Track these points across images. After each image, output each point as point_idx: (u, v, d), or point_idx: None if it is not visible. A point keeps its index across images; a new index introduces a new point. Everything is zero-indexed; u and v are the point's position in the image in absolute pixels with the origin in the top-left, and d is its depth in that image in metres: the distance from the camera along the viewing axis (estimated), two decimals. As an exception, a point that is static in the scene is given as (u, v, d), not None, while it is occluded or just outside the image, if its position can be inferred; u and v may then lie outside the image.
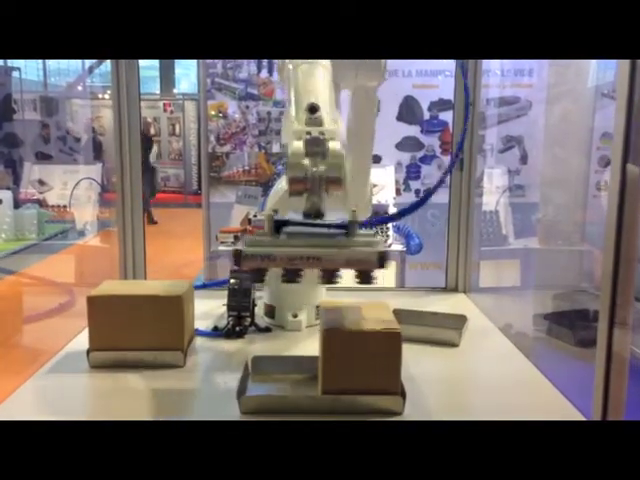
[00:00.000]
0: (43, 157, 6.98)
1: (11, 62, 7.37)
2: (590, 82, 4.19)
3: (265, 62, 4.06)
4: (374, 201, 1.98)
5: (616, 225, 0.99)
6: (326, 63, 1.31)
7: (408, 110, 4.21)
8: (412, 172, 4.32)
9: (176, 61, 14.48)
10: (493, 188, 4.22)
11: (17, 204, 5.08)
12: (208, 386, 1.35)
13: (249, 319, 1.64)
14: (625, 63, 0.95)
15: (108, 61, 2.24)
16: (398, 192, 4.02)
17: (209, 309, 1.82)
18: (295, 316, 1.67)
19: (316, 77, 1.27)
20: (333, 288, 1.79)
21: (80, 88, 8.95)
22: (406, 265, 3.20)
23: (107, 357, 1.44)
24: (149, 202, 8.56)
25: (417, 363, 1.43)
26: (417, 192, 4.32)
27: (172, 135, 13.03)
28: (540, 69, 4.24)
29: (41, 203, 5.36)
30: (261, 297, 1.75)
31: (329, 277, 1.07)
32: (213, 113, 4.12)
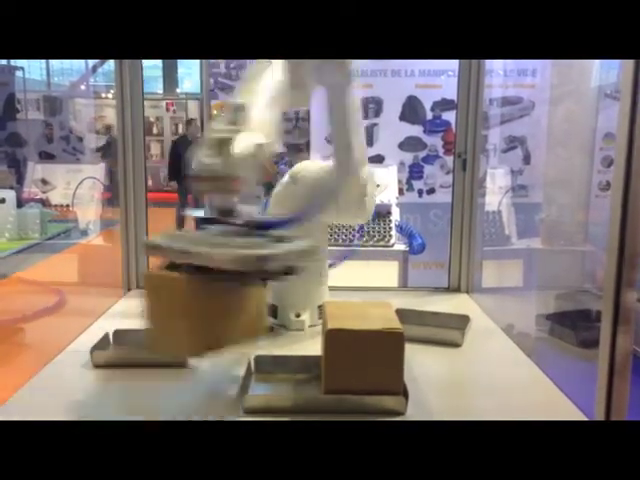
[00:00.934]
0: (46, 156, 6.99)
1: (14, 61, 7.39)
2: (593, 82, 4.19)
3: (267, 62, 4.05)
4: (377, 201, 1.98)
5: (619, 225, 0.99)
6: (283, 63, 1.34)
7: (411, 110, 4.21)
8: (415, 172, 4.32)
9: (179, 61, 14.49)
10: (496, 188, 4.21)
11: (20, 203, 5.08)
12: (210, 385, 1.35)
13: (251, 319, 1.64)
14: (629, 63, 0.95)
15: (111, 60, 2.24)
16: (401, 192, 4.02)
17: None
18: (298, 316, 1.67)
19: (262, 77, 1.31)
20: (336, 288, 1.80)
21: (83, 87, 8.96)
22: (409, 265, 3.20)
23: (109, 356, 1.44)
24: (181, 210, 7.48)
25: (420, 363, 1.43)
26: (420, 192, 4.32)
27: (175, 135, 13.04)
28: (543, 69, 4.24)
29: (44, 202, 5.37)
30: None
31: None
32: (216, 113, 4.12)
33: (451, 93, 4.04)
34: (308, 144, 4.22)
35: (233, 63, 4.06)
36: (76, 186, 5.42)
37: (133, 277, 2.06)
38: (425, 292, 2.11)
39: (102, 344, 1.47)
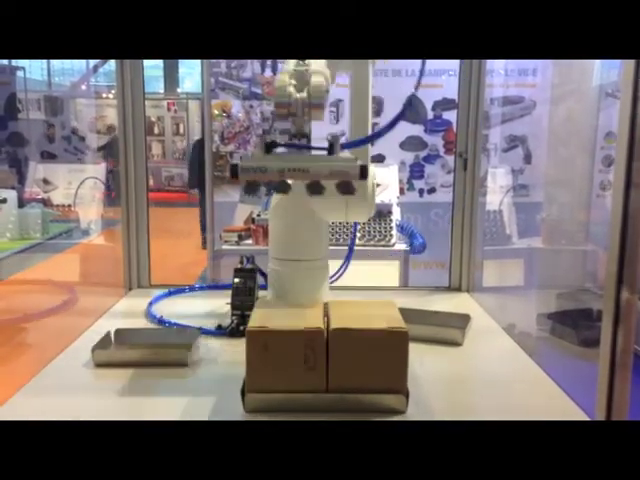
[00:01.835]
0: (48, 156, 6.99)
1: (15, 61, 7.39)
2: (594, 81, 4.18)
3: (269, 61, 4.06)
4: (378, 201, 1.98)
5: (621, 224, 0.99)
6: None
7: (412, 109, 4.21)
8: (416, 171, 4.31)
9: (180, 60, 14.49)
10: (497, 187, 4.21)
11: (22, 203, 5.08)
12: (212, 385, 1.35)
13: (253, 318, 1.64)
14: (630, 63, 0.95)
15: (112, 60, 2.24)
16: (402, 191, 4.02)
17: (213, 308, 1.82)
18: (299, 315, 1.67)
19: None
20: (337, 287, 1.80)
21: (84, 87, 8.96)
22: (409, 264, 3.19)
23: (110, 355, 1.44)
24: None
25: (420, 362, 1.43)
26: (421, 191, 4.32)
27: (176, 134, 13.05)
28: (544, 69, 4.24)
29: (46, 202, 5.37)
30: (265, 296, 1.75)
31: (314, 190, 1.20)
32: (217, 112, 4.12)
33: (452, 92, 4.05)
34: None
35: (234, 63, 4.06)
36: (78, 186, 5.42)
37: (134, 276, 2.06)
38: (426, 291, 2.11)
39: (103, 343, 1.48)
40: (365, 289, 2.09)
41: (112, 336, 1.52)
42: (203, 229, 5.92)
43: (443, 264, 2.35)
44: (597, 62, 4.10)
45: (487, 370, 1.48)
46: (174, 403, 1.26)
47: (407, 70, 4.15)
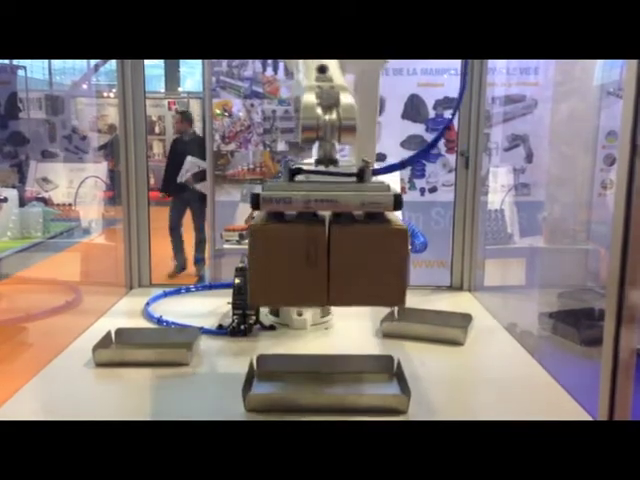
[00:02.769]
0: (49, 155, 6.99)
1: (17, 61, 7.38)
2: (596, 80, 4.18)
3: (270, 61, 4.05)
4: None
5: (623, 223, 0.99)
6: None
7: (413, 108, 4.20)
8: (417, 170, 4.31)
9: (181, 60, 14.49)
10: (498, 186, 4.21)
11: (23, 202, 5.09)
12: (213, 384, 1.35)
13: (254, 317, 1.64)
14: (632, 62, 0.95)
15: (113, 60, 2.24)
16: (403, 190, 4.02)
17: (214, 307, 1.82)
18: (300, 314, 1.67)
19: None
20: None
21: (85, 87, 8.96)
22: (411, 263, 3.19)
23: (111, 355, 1.44)
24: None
25: (422, 362, 1.43)
26: (422, 190, 4.32)
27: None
28: (546, 67, 4.23)
29: (46, 201, 5.37)
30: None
31: (344, 219, 1.10)
32: (218, 111, 4.12)
33: (453, 91, 4.05)
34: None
35: (235, 62, 4.06)
36: (78, 185, 5.42)
37: (135, 275, 2.06)
38: (428, 290, 2.11)
39: (104, 343, 1.48)
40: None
41: (113, 336, 1.52)
42: (172, 234, 5.67)
43: (445, 263, 2.34)
44: (599, 61, 4.09)
45: (489, 370, 1.48)
46: (174, 403, 1.25)
47: (408, 69, 4.15)
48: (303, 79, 1.18)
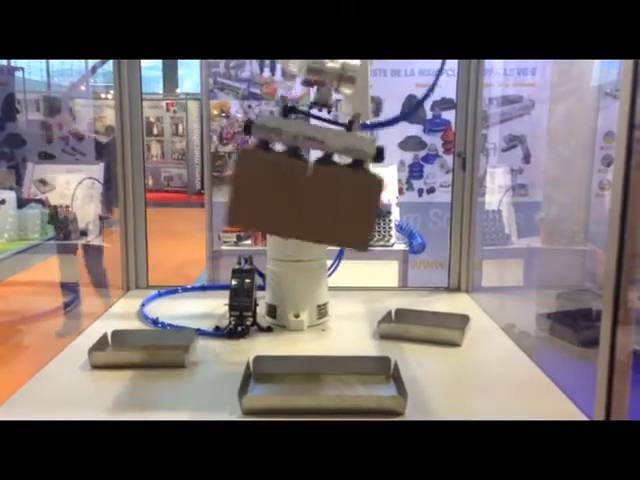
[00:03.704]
0: (46, 157, 6.98)
1: (14, 62, 7.38)
2: (593, 81, 4.18)
3: (267, 62, 4.06)
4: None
5: (619, 224, 0.99)
6: None
7: (410, 109, 4.20)
8: (415, 171, 4.31)
9: (179, 61, 14.49)
10: (496, 187, 4.21)
11: (20, 204, 5.08)
12: (210, 386, 1.35)
13: (251, 319, 1.63)
14: (629, 62, 0.95)
15: (111, 61, 2.24)
16: (401, 191, 4.02)
17: (211, 309, 1.82)
18: (297, 316, 1.66)
19: None
20: (335, 288, 1.79)
21: (83, 88, 8.95)
22: (409, 264, 3.19)
23: (107, 357, 1.44)
24: None
25: (419, 363, 1.43)
26: (420, 191, 4.32)
27: (175, 135, 13.05)
28: (543, 68, 4.24)
29: (44, 203, 5.36)
30: (263, 297, 1.75)
31: (325, 162, 1.16)
32: (216, 113, 4.12)
33: (450, 92, 4.04)
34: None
35: (232, 63, 4.06)
36: (75, 186, 5.41)
37: (132, 277, 2.06)
38: (425, 292, 2.11)
39: (100, 345, 1.47)
40: (364, 289, 2.08)
41: (109, 337, 1.51)
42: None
43: (442, 264, 2.34)
44: (596, 61, 4.09)
45: (486, 371, 1.48)
46: (171, 404, 1.25)
47: (406, 70, 4.15)
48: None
